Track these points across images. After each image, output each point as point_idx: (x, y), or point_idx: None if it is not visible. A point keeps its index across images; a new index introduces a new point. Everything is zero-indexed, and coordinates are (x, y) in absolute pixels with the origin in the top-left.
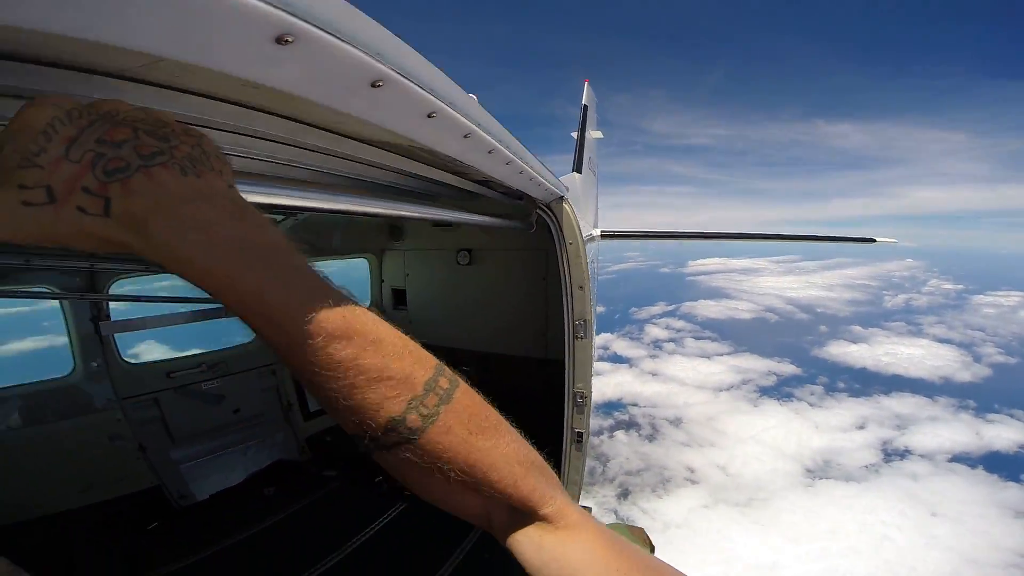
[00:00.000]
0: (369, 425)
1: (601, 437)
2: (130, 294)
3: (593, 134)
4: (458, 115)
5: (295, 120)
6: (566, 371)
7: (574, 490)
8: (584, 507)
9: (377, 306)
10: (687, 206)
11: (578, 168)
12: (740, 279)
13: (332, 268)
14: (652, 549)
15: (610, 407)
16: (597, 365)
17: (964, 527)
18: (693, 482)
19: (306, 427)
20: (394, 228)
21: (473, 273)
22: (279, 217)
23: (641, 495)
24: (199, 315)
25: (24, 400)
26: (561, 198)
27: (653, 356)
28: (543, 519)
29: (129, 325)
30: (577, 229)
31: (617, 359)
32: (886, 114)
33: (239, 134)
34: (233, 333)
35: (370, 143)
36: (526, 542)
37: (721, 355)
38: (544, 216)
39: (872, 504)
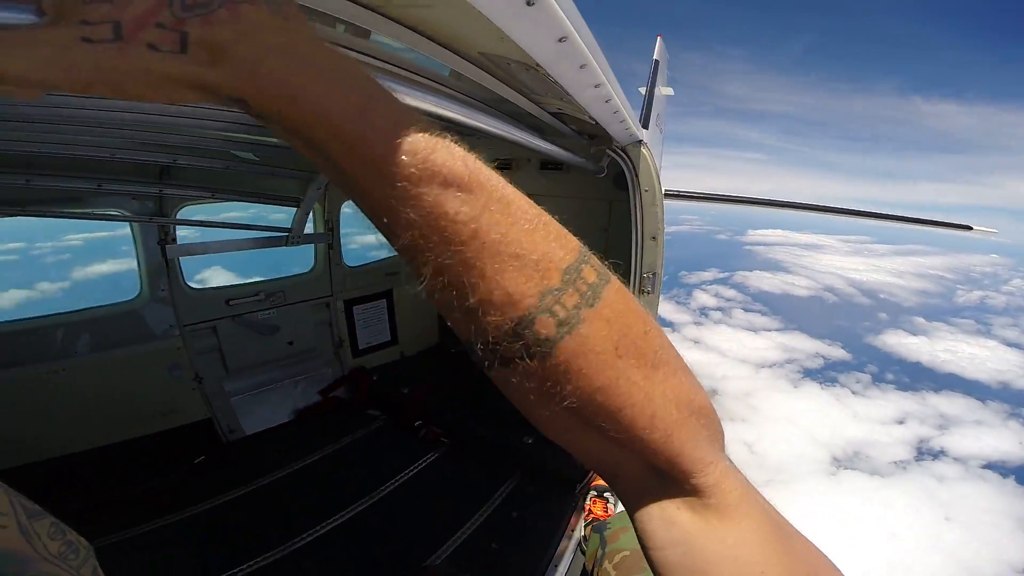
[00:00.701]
0: (483, 325)
1: None
2: (197, 220)
3: (664, 90)
4: (559, 9)
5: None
6: None
7: None
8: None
9: None
10: (754, 172)
11: (645, 124)
12: (802, 254)
13: None
14: None
15: None
16: None
17: (973, 534)
18: None
19: (355, 364)
20: None
21: None
22: None
23: None
24: (261, 242)
25: (90, 325)
26: (640, 142)
27: (698, 323)
28: (692, 490)
29: (193, 249)
30: (655, 176)
31: (661, 322)
32: (1000, 98)
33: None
34: (291, 262)
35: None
36: (658, 516)
37: (769, 330)
38: (619, 159)
39: (890, 500)
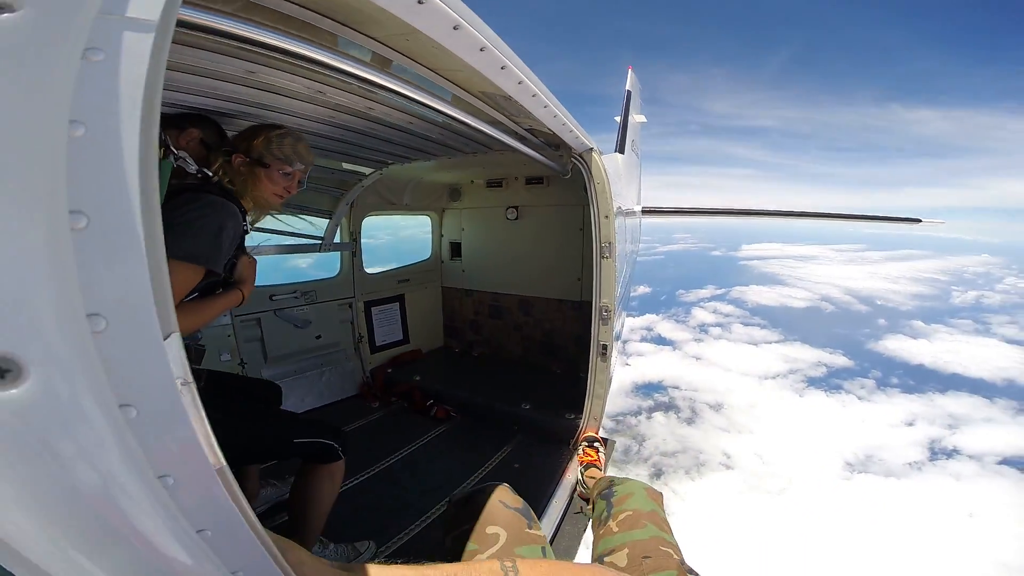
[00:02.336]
0: None
1: (639, 417)
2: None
3: (636, 118)
4: (512, 65)
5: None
6: (594, 288)
7: (597, 402)
8: None
9: (436, 258)
10: (745, 188)
11: (620, 149)
12: (796, 266)
13: (403, 222)
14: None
15: (650, 388)
16: (640, 345)
17: (1003, 531)
18: (728, 467)
19: (372, 359)
20: (453, 190)
21: (519, 227)
22: (368, 171)
23: (674, 476)
24: (298, 248)
25: None
26: (591, 149)
27: (698, 340)
28: None
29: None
30: (604, 173)
31: (661, 341)
32: (974, 101)
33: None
34: (319, 267)
35: (461, 94)
36: None
37: (769, 343)
38: (578, 163)
39: (909, 501)
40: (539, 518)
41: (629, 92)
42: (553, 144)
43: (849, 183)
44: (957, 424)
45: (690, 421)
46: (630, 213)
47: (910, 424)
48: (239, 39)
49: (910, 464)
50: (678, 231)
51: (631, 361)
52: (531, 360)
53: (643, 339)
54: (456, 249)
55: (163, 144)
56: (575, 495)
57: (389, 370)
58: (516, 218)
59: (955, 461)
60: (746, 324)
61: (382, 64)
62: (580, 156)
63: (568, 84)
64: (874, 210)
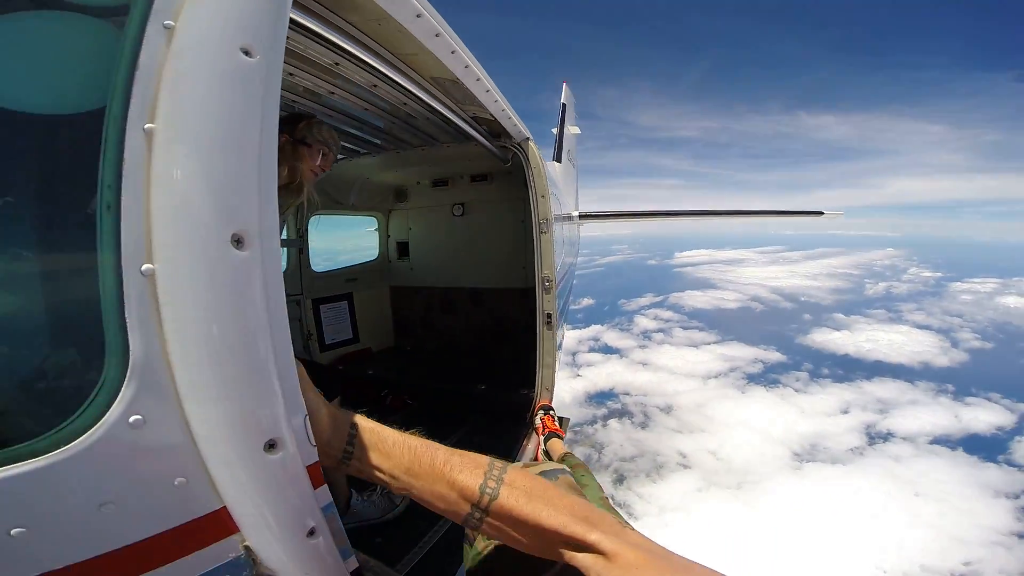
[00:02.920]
0: (459, 513)
1: (595, 426)
2: None
3: (572, 130)
4: (460, 50)
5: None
6: (535, 261)
7: (547, 372)
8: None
9: (384, 257)
10: (673, 198)
11: (557, 158)
12: (726, 269)
13: (347, 221)
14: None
15: (603, 396)
16: (588, 356)
17: (947, 506)
18: (686, 467)
19: (322, 357)
20: (399, 191)
21: (465, 223)
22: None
23: (636, 480)
24: None
25: None
26: (528, 138)
27: (643, 346)
28: (604, 557)
29: None
30: (540, 160)
31: (608, 350)
32: (868, 106)
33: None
34: None
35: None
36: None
37: (709, 344)
38: (516, 151)
39: (858, 485)
40: None
41: (564, 105)
42: (495, 133)
43: (768, 188)
44: (887, 408)
45: (644, 425)
46: (568, 219)
47: (845, 412)
48: None
49: (852, 450)
50: (615, 243)
51: (582, 372)
52: (484, 348)
53: (591, 349)
54: (404, 248)
55: None
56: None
57: (340, 367)
58: (462, 214)
59: (892, 444)
60: (685, 328)
61: (354, 44)
62: (519, 145)
63: (508, 101)
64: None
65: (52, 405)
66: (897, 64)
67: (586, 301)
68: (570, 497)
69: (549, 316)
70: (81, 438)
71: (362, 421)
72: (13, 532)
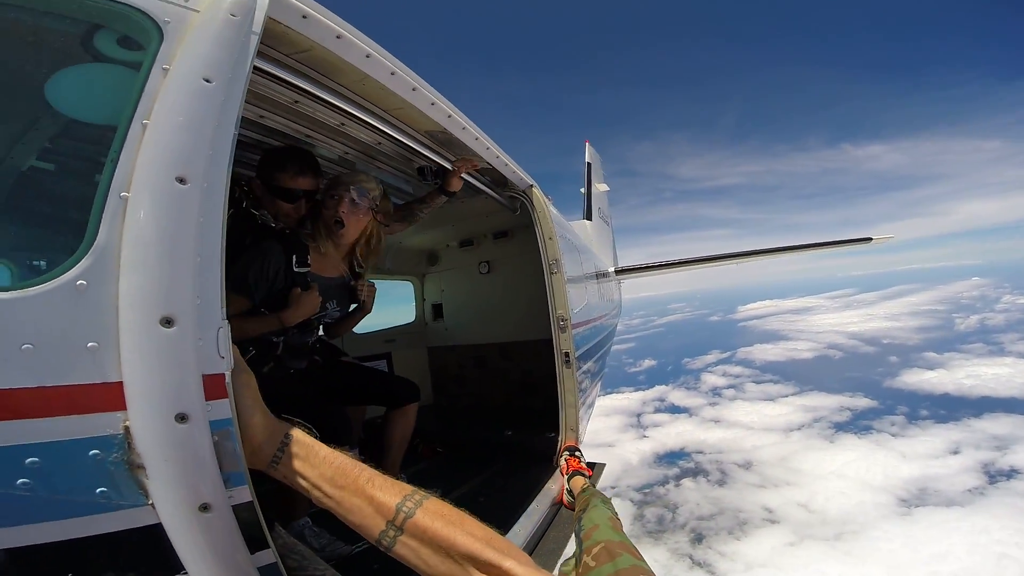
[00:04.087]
0: (370, 531)
1: (667, 486)
2: None
3: (600, 187)
4: (440, 102)
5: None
6: (549, 303)
7: (571, 411)
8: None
9: (420, 320)
10: (724, 249)
11: (588, 216)
12: (795, 319)
13: (384, 284)
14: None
15: (673, 456)
16: (655, 416)
17: None
18: (773, 521)
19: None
20: (431, 255)
21: (491, 280)
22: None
23: (716, 538)
24: None
25: None
26: (531, 185)
27: (713, 404)
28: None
29: None
30: (543, 202)
31: (675, 409)
32: (913, 130)
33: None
34: None
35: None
36: None
37: (786, 396)
38: (522, 199)
39: (983, 525)
40: (516, 524)
41: (589, 164)
42: (499, 183)
43: (825, 228)
44: (1005, 445)
45: (721, 483)
46: (604, 276)
47: (955, 452)
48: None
49: (970, 490)
50: (673, 301)
51: (648, 433)
52: (513, 398)
53: (657, 410)
54: (438, 310)
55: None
56: (562, 506)
57: (378, 420)
58: (488, 271)
59: (1018, 480)
60: (758, 382)
61: (350, 104)
62: (523, 192)
63: (537, 165)
64: (854, 253)
65: (30, 255)
66: (932, 84)
67: (647, 362)
68: (489, 529)
69: (567, 354)
70: (37, 288)
71: (297, 434)
72: None
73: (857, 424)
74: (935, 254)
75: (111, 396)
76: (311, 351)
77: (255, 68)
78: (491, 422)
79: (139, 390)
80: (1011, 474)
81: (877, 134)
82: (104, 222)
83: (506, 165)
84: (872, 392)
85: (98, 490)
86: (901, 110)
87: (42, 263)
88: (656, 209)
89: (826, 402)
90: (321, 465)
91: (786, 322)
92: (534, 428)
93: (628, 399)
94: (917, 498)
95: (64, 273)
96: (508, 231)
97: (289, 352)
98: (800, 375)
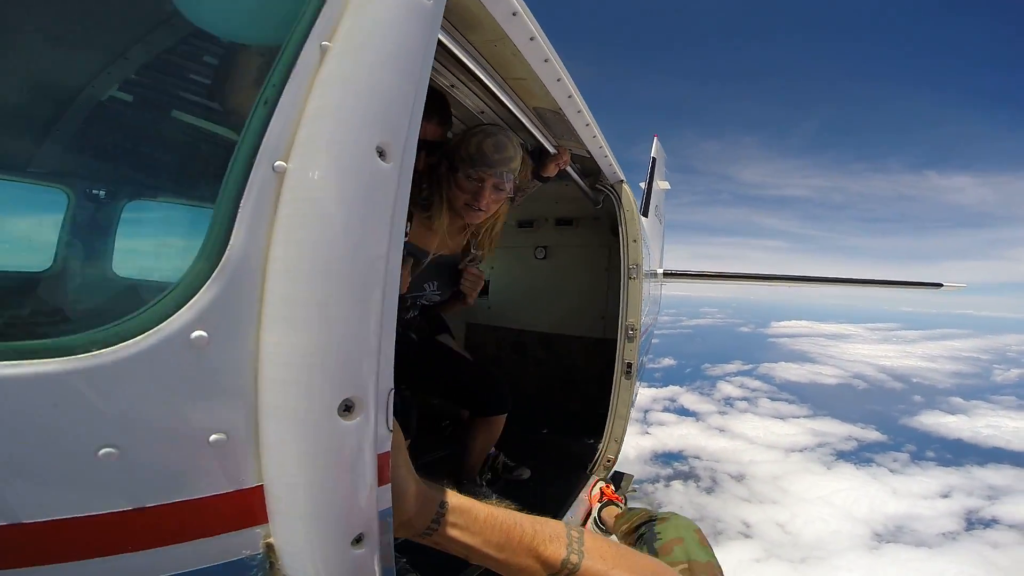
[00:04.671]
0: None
1: (657, 484)
2: None
3: (661, 184)
4: (566, 79)
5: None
6: (620, 308)
7: (620, 423)
8: None
9: None
10: (775, 261)
11: (645, 212)
12: (827, 344)
13: None
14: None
15: (670, 457)
16: (662, 415)
17: None
18: (747, 536)
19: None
20: None
21: (547, 266)
22: None
23: None
24: None
25: None
26: (622, 181)
27: (722, 412)
28: None
29: None
30: (632, 201)
31: (684, 412)
32: (1013, 165)
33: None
34: None
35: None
36: None
37: (797, 417)
38: (610, 193)
39: (942, 569)
40: None
41: (654, 159)
42: (587, 173)
43: (885, 256)
44: (997, 495)
45: (709, 490)
46: (653, 276)
47: (945, 496)
48: None
49: (944, 534)
50: (706, 305)
51: (651, 430)
52: (550, 396)
53: (665, 409)
54: (485, 287)
55: None
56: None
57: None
58: (544, 257)
59: (993, 531)
60: (773, 399)
61: (473, 64)
62: (612, 187)
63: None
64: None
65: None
66: None
67: (667, 361)
68: (649, 559)
69: (629, 366)
70: (116, 348)
71: (452, 499)
72: None
73: (859, 455)
74: (992, 302)
75: (246, 507)
76: (405, 326)
77: None
78: (525, 416)
79: (294, 499)
80: (990, 523)
81: (969, 165)
82: (241, 218)
83: (605, 156)
84: (885, 427)
85: None
86: (1004, 141)
87: (127, 299)
88: (709, 210)
89: (836, 429)
90: (483, 531)
91: (818, 345)
92: (571, 430)
93: (639, 394)
94: (892, 534)
95: (168, 318)
96: (573, 220)
97: None
98: (817, 399)
